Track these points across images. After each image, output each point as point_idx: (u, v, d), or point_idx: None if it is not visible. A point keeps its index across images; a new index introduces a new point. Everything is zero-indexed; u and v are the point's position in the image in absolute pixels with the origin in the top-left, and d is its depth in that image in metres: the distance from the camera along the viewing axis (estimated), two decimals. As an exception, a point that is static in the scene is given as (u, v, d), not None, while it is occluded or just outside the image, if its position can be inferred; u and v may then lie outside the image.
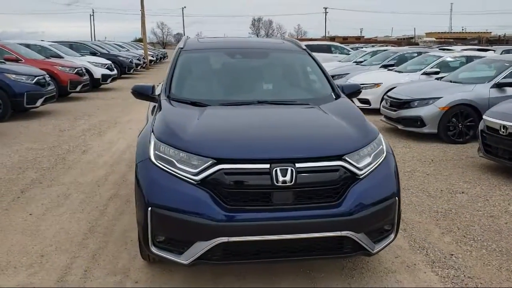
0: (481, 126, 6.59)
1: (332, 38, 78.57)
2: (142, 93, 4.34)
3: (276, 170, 3.04)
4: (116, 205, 5.11)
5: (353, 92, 4.57)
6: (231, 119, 3.71)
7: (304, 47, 4.97)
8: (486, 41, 66.30)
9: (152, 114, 4.23)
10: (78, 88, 13.93)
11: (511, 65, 8.49)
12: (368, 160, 3.31)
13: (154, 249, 3.22)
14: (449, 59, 11.99)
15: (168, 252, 3.20)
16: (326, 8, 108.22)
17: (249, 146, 3.22)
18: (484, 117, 6.54)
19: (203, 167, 3.11)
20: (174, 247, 3.18)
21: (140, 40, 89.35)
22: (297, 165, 3.08)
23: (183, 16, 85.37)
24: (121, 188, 5.70)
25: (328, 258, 3.36)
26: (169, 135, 3.36)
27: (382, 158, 3.42)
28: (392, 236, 3.41)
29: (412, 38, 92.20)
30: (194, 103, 3.95)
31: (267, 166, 3.07)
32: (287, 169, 3.05)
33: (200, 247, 3.05)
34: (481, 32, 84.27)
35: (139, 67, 25.11)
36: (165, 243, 3.20)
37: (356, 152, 3.27)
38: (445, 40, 68.33)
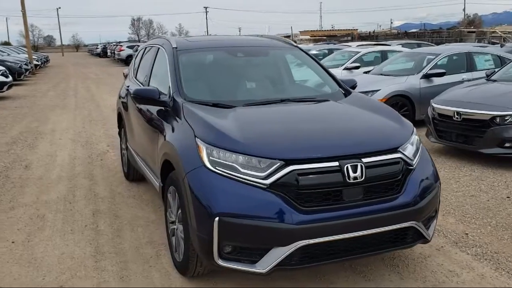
0: (430, 113, 7.12)
1: (212, 37, 79.02)
2: (148, 98, 3.99)
3: (347, 167, 3.01)
4: (106, 222, 4.68)
5: (351, 87, 4.66)
6: (275, 119, 3.58)
7: (296, 44, 4.97)
8: (358, 37, 71.39)
9: (163, 119, 3.91)
10: (-24, 98, 12.43)
11: (435, 57, 9.28)
12: (413, 150, 3.41)
13: (221, 262, 3.01)
14: (365, 54, 12.72)
15: (238, 263, 3.01)
16: (206, 8, 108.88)
17: (315, 145, 3.14)
18: (433, 105, 7.06)
19: (271, 169, 2.97)
20: (246, 256, 3.00)
21: (6, 44, 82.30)
22: (363, 160, 3.08)
23: (58, 17, 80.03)
24: (98, 203, 5.22)
25: (394, 250, 3.39)
26: (220, 139, 3.15)
27: (421, 148, 3.55)
28: (435, 221, 3.55)
29: (289, 36, 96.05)
30: (216, 105, 3.74)
31: (336, 163, 3.03)
32: (357, 165, 3.04)
33: (278, 254, 2.91)
34: (349, 30, 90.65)
35: (27, 72, 23.04)
36: (234, 254, 3.02)
37: (406, 143, 3.36)
38: (320, 38, 72.04)
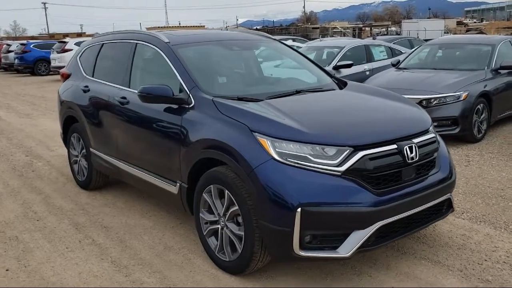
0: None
1: (52, 35, 74.17)
2: (161, 96, 3.73)
3: (406, 149, 3.24)
4: (100, 235, 4.28)
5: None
6: (317, 108, 3.63)
7: (273, 37, 5.05)
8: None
9: (183, 117, 3.71)
10: None
11: (341, 50, 10.01)
12: (433, 129, 3.78)
13: (302, 252, 3.03)
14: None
15: (319, 251, 3.06)
16: (45, 3, 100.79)
17: (375, 130, 3.30)
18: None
19: (342, 156, 3.06)
20: (326, 243, 3.07)
21: None
22: (414, 140, 3.34)
23: None
24: (71, 217, 4.72)
25: (435, 222, 3.66)
26: (283, 131, 3.15)
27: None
28: None
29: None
30: (241, 99, 3.67)
31: (395, 146, 3.23)
32: (412, 145, 3.28)
33: (359, 236, 3.03)
34: (197, 26, 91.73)
35: None
36: (314, 242, 3.06)
37: (431, 124, 3.71)
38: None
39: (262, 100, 3.65)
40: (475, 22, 74.22)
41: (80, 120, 5.24)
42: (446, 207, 3.64)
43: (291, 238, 3.00)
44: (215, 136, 3.41)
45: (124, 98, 4.40)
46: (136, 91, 4.24)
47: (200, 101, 3.66)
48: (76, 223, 4.56)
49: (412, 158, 3.26)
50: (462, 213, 4.51)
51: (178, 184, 3.82)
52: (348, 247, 3.03)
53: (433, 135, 3.58)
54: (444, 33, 46.67)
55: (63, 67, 20.96)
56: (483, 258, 3.63)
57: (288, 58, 4.81)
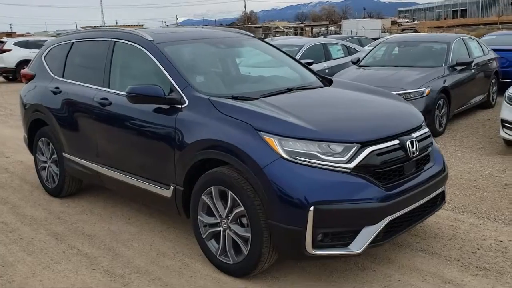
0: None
1: (-21, 36, 70.43)
2: (151, 96, 3.57)
3: (408, 143, 3.29)
4: (84, 244, 4.05)
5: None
6: (316, 105, 3.61)
7: (253, 35, 4.99)
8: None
9: (176, 117, 3.58)
10: None
11: (300, 48, 10.09)
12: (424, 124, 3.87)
13: (314, 251, 3.00)
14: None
15: (331, 249, 3.05)
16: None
17: (379, 126, 3.32)
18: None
19: (351, 153, 3.06)
20: (337, 241, 3.05)
21: None
22: (413, 135, 3.40)
23: None
24: (47, 226, 4.45)
25: (431, 214, 3.73)
26: (290, 129, 3.10)
27: None
28: None
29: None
30: (235, 98, 3.59)
31: (398, 141, 3.27)
32: (413, 140, 3.34)
33: (370, 232, 3.04)
34: (134, 25, 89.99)
35: None
36: (326, 240, 3.04)
37: (423, 120, 3.79)
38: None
39: (257, 98, 3.59)
40: (407, 22, 77.48)
41: (51, 123, 4.94)
42: (440, 200, 3.74)
43: (304, 237, 2.96)
44: (217, 136, 3.30)
45: (105, 99, 4.19)
46: (118, 92, 4.11)
47: (194, 101, 3.54)
48: (55, 233, 4.30)
49: (413, 153, 3.32)
50: (447, 204, 4.65)
51: (172, 187, 3.69)
52: (359, 244, 3.03)
53: (427, 129, 3.66)
54: (382, 32, 48.36)
55: (2, 68, 19.76)
56: (475, 247, 3.76)
57: (273, 56, 4.75)
